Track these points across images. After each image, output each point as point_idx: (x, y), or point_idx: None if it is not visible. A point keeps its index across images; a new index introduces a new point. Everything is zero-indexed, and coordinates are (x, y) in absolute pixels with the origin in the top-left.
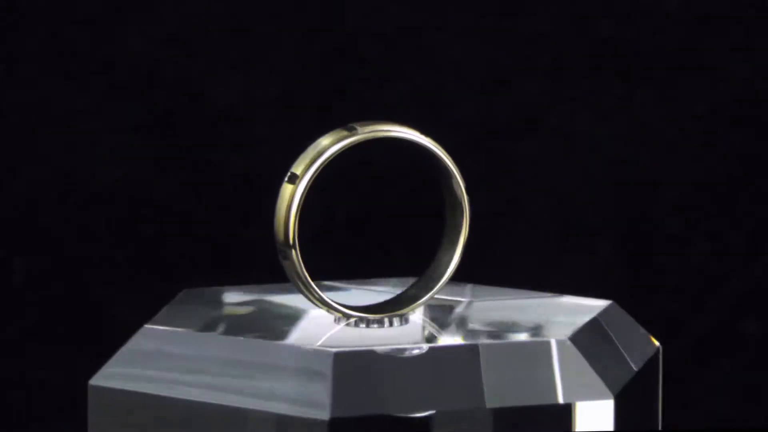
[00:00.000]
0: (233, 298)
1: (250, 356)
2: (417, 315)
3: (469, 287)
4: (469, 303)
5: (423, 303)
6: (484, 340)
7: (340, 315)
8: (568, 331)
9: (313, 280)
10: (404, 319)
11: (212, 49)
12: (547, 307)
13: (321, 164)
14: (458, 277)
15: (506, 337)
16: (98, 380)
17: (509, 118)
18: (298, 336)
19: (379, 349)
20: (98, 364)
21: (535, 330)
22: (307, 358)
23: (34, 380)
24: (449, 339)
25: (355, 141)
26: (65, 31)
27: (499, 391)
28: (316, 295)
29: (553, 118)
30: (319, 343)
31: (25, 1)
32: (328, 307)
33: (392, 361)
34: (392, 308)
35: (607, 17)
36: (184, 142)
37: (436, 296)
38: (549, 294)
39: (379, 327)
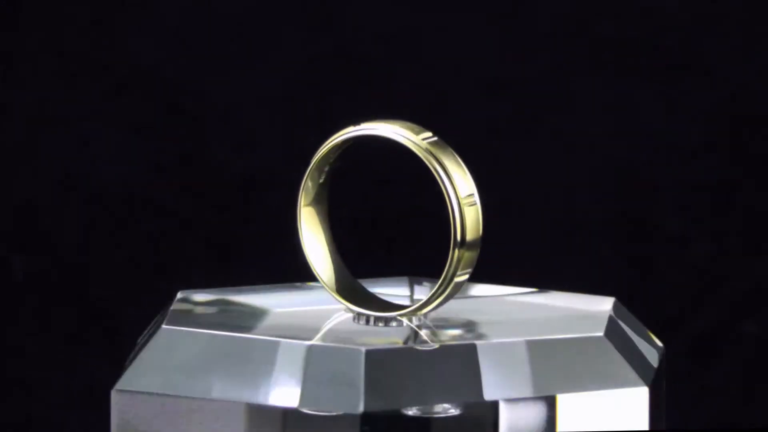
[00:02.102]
0: (238, 297)
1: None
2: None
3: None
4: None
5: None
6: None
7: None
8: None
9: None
10: (401, 321)
11: (212, 49)
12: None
13: (318, 157)
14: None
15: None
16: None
17: (509, 118)
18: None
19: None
20: (98, 364)
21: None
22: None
23: (34, 380)
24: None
25: (351, 137)
26: (65, 32)
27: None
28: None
29: (553, 117)
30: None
31: (25, 1)
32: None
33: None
34: (402, 308)
35: (607, 17)
36: (184, 142)
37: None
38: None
39: (384, 326)
